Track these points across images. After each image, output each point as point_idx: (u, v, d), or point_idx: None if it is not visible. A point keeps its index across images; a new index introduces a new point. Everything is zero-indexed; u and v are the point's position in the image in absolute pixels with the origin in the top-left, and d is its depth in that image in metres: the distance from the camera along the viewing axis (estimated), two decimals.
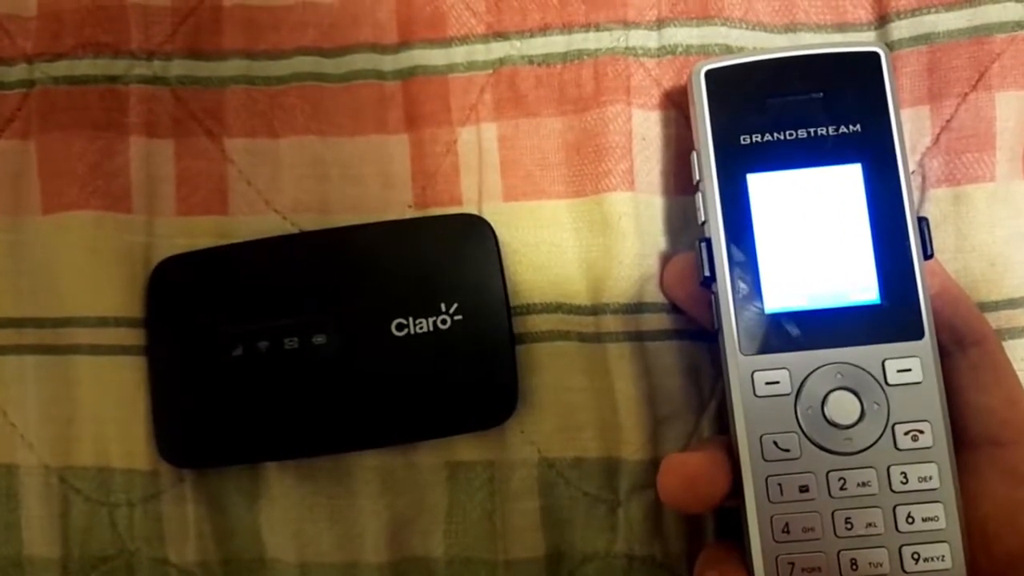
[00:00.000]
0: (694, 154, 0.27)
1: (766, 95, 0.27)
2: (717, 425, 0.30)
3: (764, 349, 0.26)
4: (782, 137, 0.27)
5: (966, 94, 0.30)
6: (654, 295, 0.30)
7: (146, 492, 0.31)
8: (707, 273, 0.27)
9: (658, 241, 0.31)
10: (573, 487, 0.30)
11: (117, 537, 0.31)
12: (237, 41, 0.32)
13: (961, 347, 0.27)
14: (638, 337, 0.30)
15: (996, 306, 0.30)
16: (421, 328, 0.30)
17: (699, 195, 0.27)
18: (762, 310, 0.26)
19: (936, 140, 0.30)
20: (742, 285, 0.26)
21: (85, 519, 0.31)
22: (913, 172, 0.30)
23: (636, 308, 0.30)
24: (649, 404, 0.30)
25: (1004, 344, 0.28)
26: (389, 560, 0.30)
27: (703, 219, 0.27)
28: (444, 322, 0.30)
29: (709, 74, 0.27)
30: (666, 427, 0.30)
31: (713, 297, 0.27)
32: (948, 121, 0.30)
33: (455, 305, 0.30)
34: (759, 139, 0.27)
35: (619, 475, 0.30)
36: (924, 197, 0.30)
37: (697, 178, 0.27)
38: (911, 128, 0.30)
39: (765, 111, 0.27)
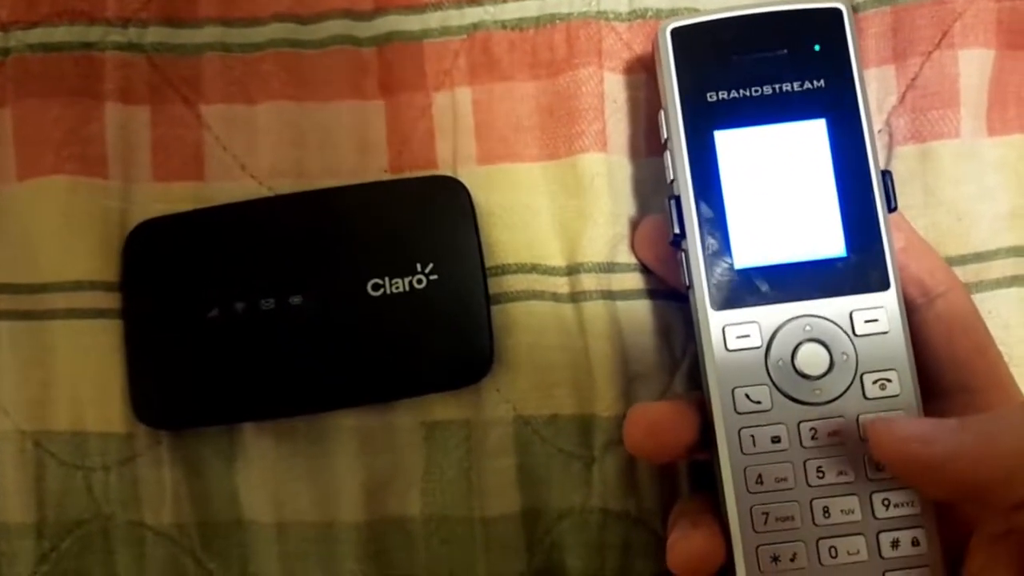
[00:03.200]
0: (662, 113, 0.28)
1: (731, 52, 0.27)
2: (689, 384, 0.31)
3: (734, 304, 0.26)
4: (748, 94, 0.27)
5: (930, 52, 0.30)
6: (627, 255, 0.31)
7: (122, 455, 0.31)
8: (677, 231, 0.27)
9: (630, 201, 0.31)
10: (548, 444, 0.30)
11: (93, 501, 0.31)
12: (212, 8, 0.32)
13: (928, 299, 0.27)
14: (611, 296, 0.31)
15: (964, 260, 0.30)
16: (397, 288, 0.30)
17: (667, 153, 0.27)
18: (732, 266, 0.26)
19: (902, 99, 0.31)
20: (712, 241, 0.27)
21: (60, 483, 0.31)
22: (880, 130, 0.31)
23: (609, 268, 0.31)
24: (622, 362, 0.30)
25: (973, 298, 0.28)
26: (366, 519, 0.30)
27: (671, 177, 0.27)
28: (420, 282, 0.30)
29: (675, 32, 0.27)
30: (639, 384, 0.30)
31: (683, 254, 0.27)
32: (913, 79, 0.31)
33: (430, 265, 0.30)
34: (725, 96, 0.27)
35: (593, 432, 0.30)
36: (891, 155, 0.31)
37: (665, 136, 0.28)
38: (877, 87, 0.31)
39: (731, 68, 0.27)
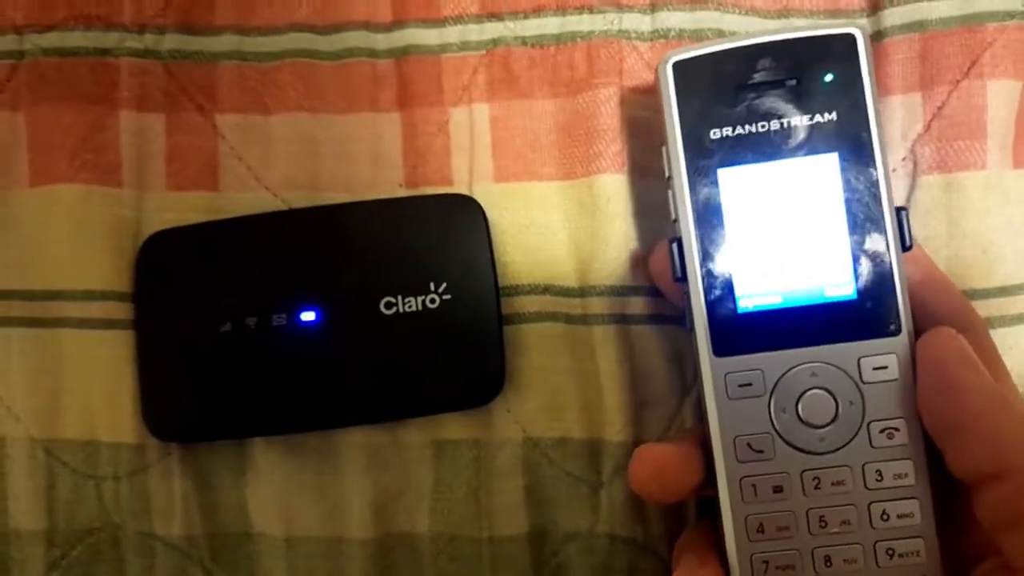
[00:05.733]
0: (664, 148, 0.26)
1: (737, 85, 0.26)
2: (699, 409, 0.30)
3: (737, 350, 0.25)
4: (754, 129, 0.26)
5: (958, 81, 0.30)
6: (641, 279, 0.30)
7: (133, 466, 0.31)
8: (678, 274, 0.26)
9: (647, 224, 0.31)
10: (557, 467, 0.30)
11: (103, 510, 0.31)
12: (229, 16, 0.32)
13: None
14: (623, 320, 0.30)
15: (987, 294, 0.30)
16: (410, 307, 0.30)
17: (670, 191, 0.26)
18: (735, 310, 0.25)
19: (928, 127, 0.30)
20: (714, 286, 0.26)
21: (71, 492, 0.31)
22: (905, 158, 0.30)
23: (622, 291, 0.30)
24: (632, 386, 0.30)
25: (995, 332, 0.28)
26: (374, 535, 0.31)
27: (674, 216, 0.26)
28: (433, 301, 0.30)
29: (677, 66, 0.26)
30: (648, 410, 0.30)
31: (685, 296, 0.26)
32: (940, 108, 0.30)
33: (444, 285, 0.30)
34: (730, 132, 0.26)
35: (602, 456, 0.30)
36: (915, 184, 0.30)
37: (668, 174, 0.26)
38: (903, 114, 0.30)
39: (737, 102, 0.26)
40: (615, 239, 0.30)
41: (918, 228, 0.29)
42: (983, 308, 0.29)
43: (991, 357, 0.26)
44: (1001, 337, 0.29)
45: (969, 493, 0.23)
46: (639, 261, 0.30)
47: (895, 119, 0.30)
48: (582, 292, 0.31)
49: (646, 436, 0.30)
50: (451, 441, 0.31)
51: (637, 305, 0.30)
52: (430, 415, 0.30)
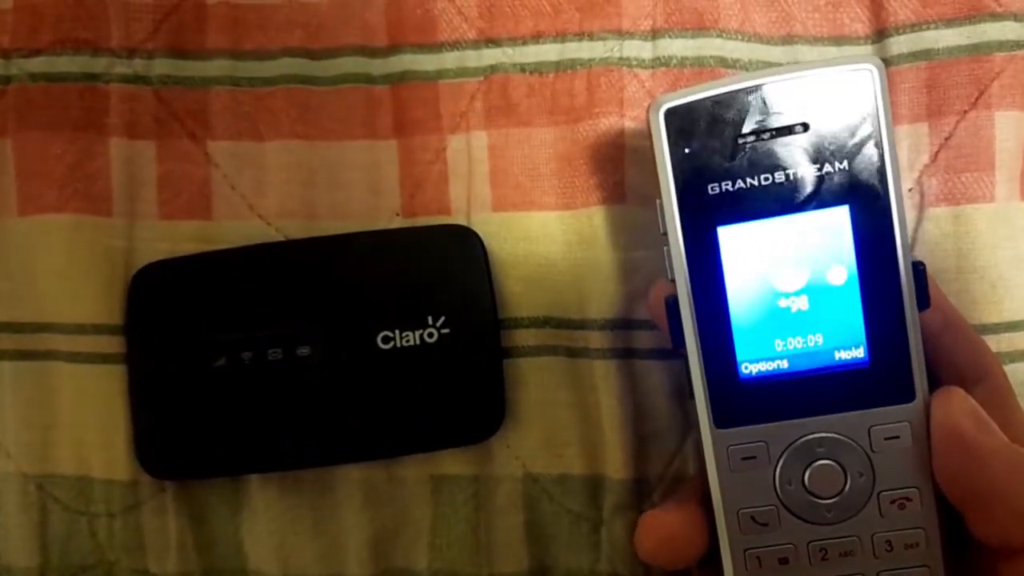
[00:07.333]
0: (659, 202, 0.24)
1: (737, 132, 0.23)
2: (701, 457, 0.30)
3: (739, 421, 0.24)
4: (757, 182, 0.23)
5: (965, 112, 0.29)
6: (642, 312, 0.30)
7: (126, 502, 0.30)
8: (676, 340, 0.24)
9: (649, 256, 0.30)
10: (557, 504, 0.30)
11: (96, 547, 0.30)
12: (222, 40, 0.31)
13: (964, 386, 0.25)
14: (625, 354, 0.30)
15: (997, 329, 0.29)
16: (408, 341, 0.29)
17: (666, 248, 0.24)
18: (736, 378, 0.24)
19: (935, 158, 0.30)
20: (713, 353, 0.24)
21: (64, 528, 0.30)
22: (911, 189, 0.30)
23: (624, 324, 0.30)
24: (633, 422, 0.30)
25: (1005, 368, 0.27)
26: (372, 573, 0.30)
27: (671, 276, 0.24)
28: (431, 335, 0.29)
29: (670, 113, 0.23)
30: (650, 446, 0.30)
31: (684, 361, 0.24)
32: (947, 139, 0.29)
33: (442, 318, 0.29)
34: (730, 187, 0.23)
35: (603, 493, 0.30)
36: (922, 216, 0.30)
37: (663, 230, 0.24)
38: (909, 145, 0.30)
39: (736, 152, 0.23)
40: (617, 271, 0.30)
41: (926, 261, 0.29)
42: (993, 343, 0.28)
43: (1008, 402, 0.25)
44: (1012, 373, 0.28)
45: (992, 555, 0.23)
46: (641, 294, 0.30)
47: (901, 148, 0.30)
48: (583, 325, 0.30)
49: (647, 473, 0.30)
50: (450, 477, 0.30)
51: (639, 339, 0.30)
52: (429, 451, 0.30)
